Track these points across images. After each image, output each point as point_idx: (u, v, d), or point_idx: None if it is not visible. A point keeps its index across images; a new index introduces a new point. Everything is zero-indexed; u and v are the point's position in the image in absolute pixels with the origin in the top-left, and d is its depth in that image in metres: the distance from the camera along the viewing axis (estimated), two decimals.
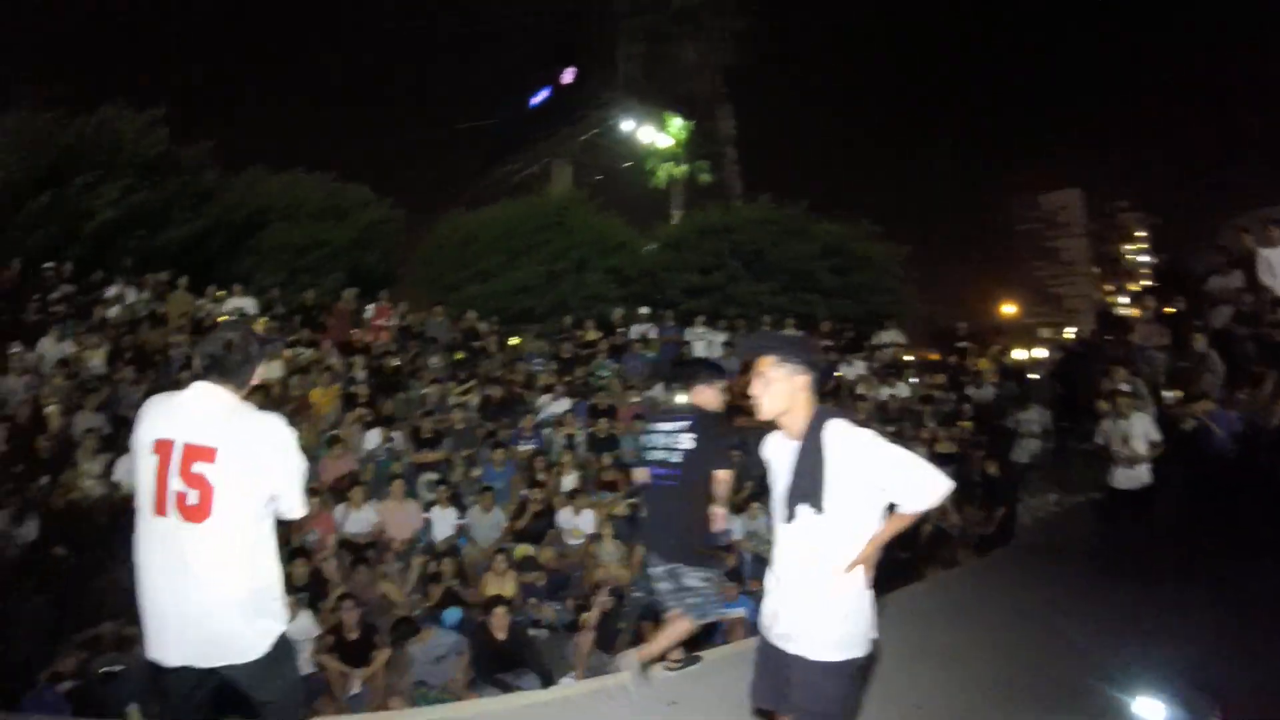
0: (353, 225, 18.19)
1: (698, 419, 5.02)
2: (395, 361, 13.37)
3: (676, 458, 4.98)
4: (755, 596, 8.15)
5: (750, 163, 28.82)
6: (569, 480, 10.97)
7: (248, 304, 14.46)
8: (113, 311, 13.01)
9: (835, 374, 13.65)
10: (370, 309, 14.93)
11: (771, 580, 3.25)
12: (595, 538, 9.85)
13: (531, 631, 8.62)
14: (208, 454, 2.74)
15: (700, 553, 5.04)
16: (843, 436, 2.99)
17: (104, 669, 6.54)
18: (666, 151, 29.48)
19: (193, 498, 2.72)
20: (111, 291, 13.47)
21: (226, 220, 17.12)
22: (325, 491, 10.13)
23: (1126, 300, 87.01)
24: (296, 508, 3.01)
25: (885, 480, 2.95)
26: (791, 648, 3.10)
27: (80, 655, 6.81)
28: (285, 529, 9.44)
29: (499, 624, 7.69)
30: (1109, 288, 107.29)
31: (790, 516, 3.07)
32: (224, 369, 2.90)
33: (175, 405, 2.91)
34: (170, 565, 2.76)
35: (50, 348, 11.48)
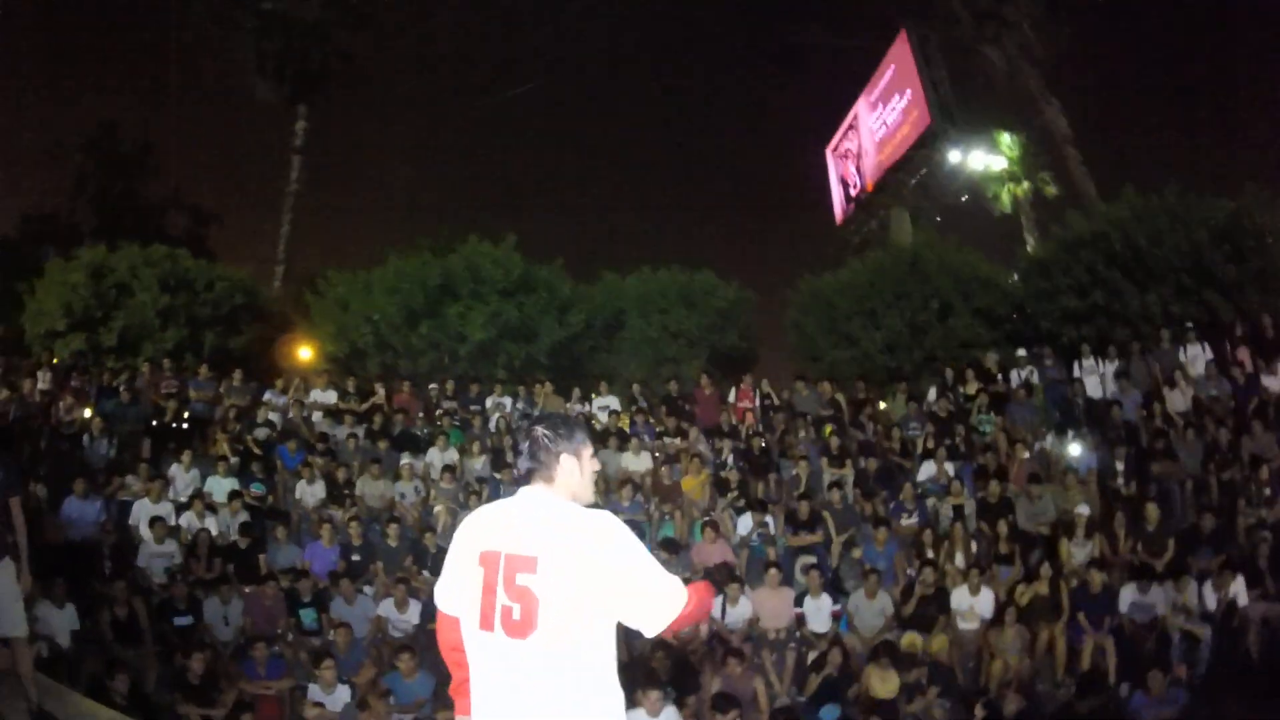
0: (706, 311, 18.51)
1: None
2: (762, 443, 13.19)
3: None
4: None
5: (1100, 157, 25.93)
6: (960, 556, 10.05)
7: (612, 401, 15.13)
8: (493, 419, 14.13)
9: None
10: (734, 392, 14.99)
11: None
12: (994, 623, 8.84)
13: None
14: (529, 564, 2.52)
15: None
16: None
17: None
18: (1003, 172, 27.47)
19: (516, 612, 2.52)
20: (489, 402, 14.74)
21: (587, 325, 18.04)
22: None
23: None
24: (649, 620, 2.59)
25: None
26: None
27: None
28: None
29: None
30: None
31: None
32: (535, 468, 2.68)
33: (499, 514, 2.72)
34: (499, 684, 2.58)
35: (437, 456, 12.64)
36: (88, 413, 12.94)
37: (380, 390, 14.97)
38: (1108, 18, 27.61)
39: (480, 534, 2.68)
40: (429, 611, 9.69)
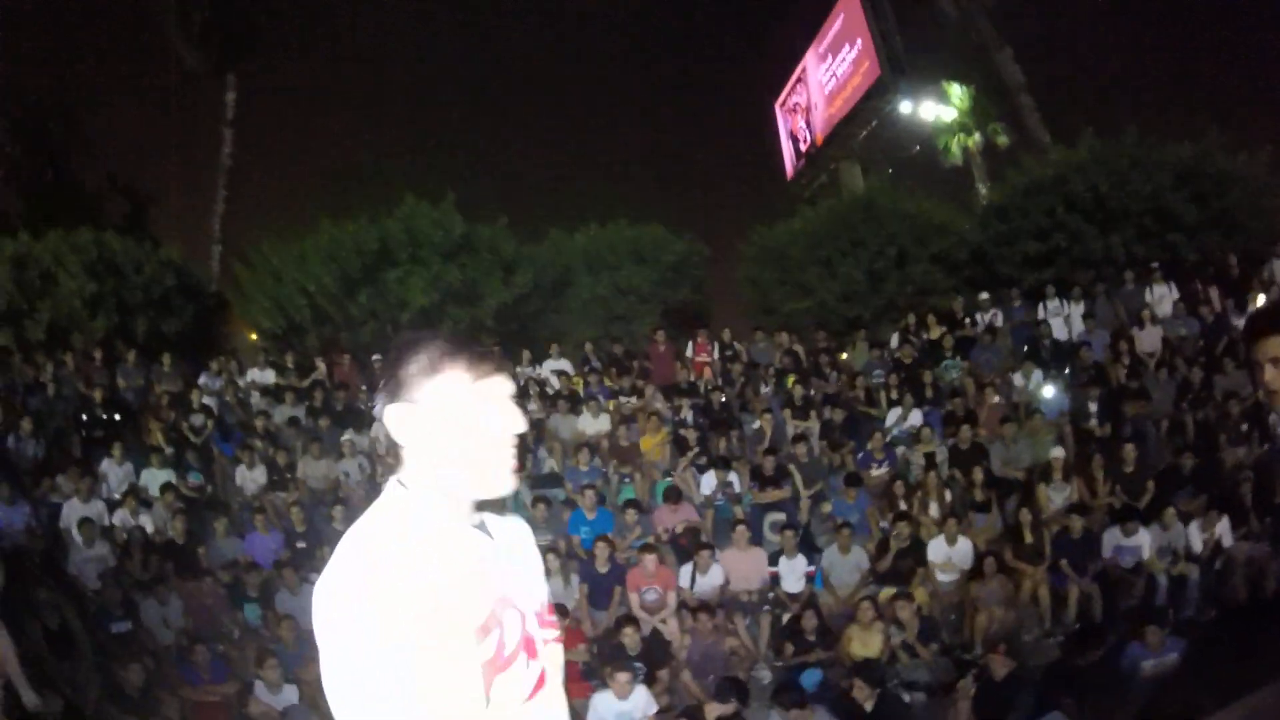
0: (657, 265, 17.93)
1: None
2: (722, 398, 12.68)
3: None
4: None
5: (1056, 103, 25.65)
6: (935, 505, 9.62)
7: (563, 363, 14.64)
8: None
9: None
10: (690, 346, 14.51)
11: None
12: (974, 574, 8.43)
13: (905, 696, 7.41)
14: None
15: None
16: None
17: None
18: (954, 123, 27.16)
19: None
20: None
21: (534, 285, 17.33)
22: (663, 545, 9.66)
23: None
24: None
25: None
26: None
27: None
28: (610, 589, 9.01)
29: (862, 692, 6.62)
30: None
31: None
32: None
33: None
34: None
35: (381, 431, 11.77)
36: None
37: (321, 365, 14.24)
38: None
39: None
40: None
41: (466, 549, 1.50)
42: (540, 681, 1.52)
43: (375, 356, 14.31)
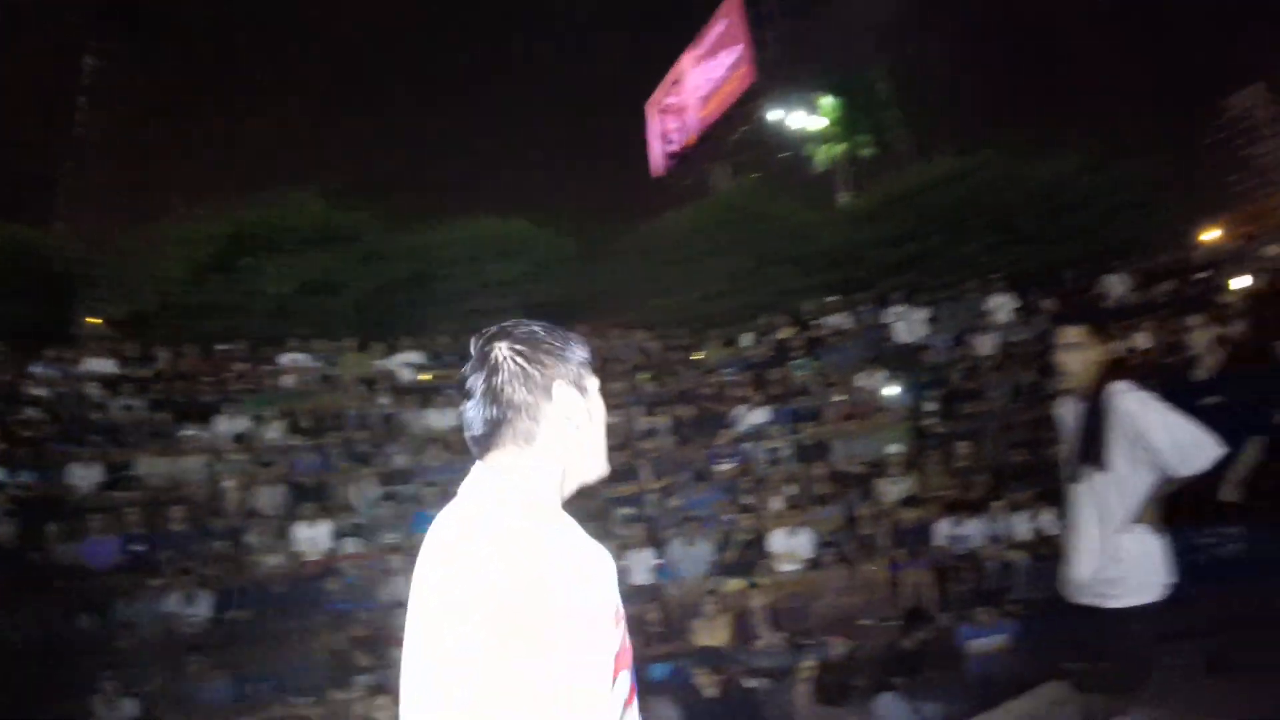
0: (522, 260, 17.66)
1: None
2: None
3: None
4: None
5: (921, 120, 26.59)
6: (779, 498, 9.74)
7: (415, 356, 14.09)
8: (287, 380, 12.84)
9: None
10: None
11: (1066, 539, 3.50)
12: (815, 563, 8.57)
13: (749, 683, 7.40)
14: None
15: None
16: (1129, 401, 3.24)
17: None
18: (823, 132, 27.89)
19: None
20: (284, 360, 13.30)
21: (397, 277, 16.86)
22: None
23: None
24: None
25: (1156, 443, 3.15)
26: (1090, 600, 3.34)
27: None
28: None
29: (706, 680, 6.65)
30: None
31: (1076, 476, 3.40)
32: (501, 420, 1.51)
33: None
34: None
35: (226, 424, 11.29)
36: None
37: (164, 356, 13.28)
38: None
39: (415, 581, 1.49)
40: (224, 603, 8.66)
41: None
42: (633, 690, 1.42)
43: (222, 348, 13.63)
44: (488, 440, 1.48)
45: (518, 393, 1.47)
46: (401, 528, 9.76)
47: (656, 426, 11.50)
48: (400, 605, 1.48)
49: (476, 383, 1.50)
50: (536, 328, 1.53)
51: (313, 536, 9.42)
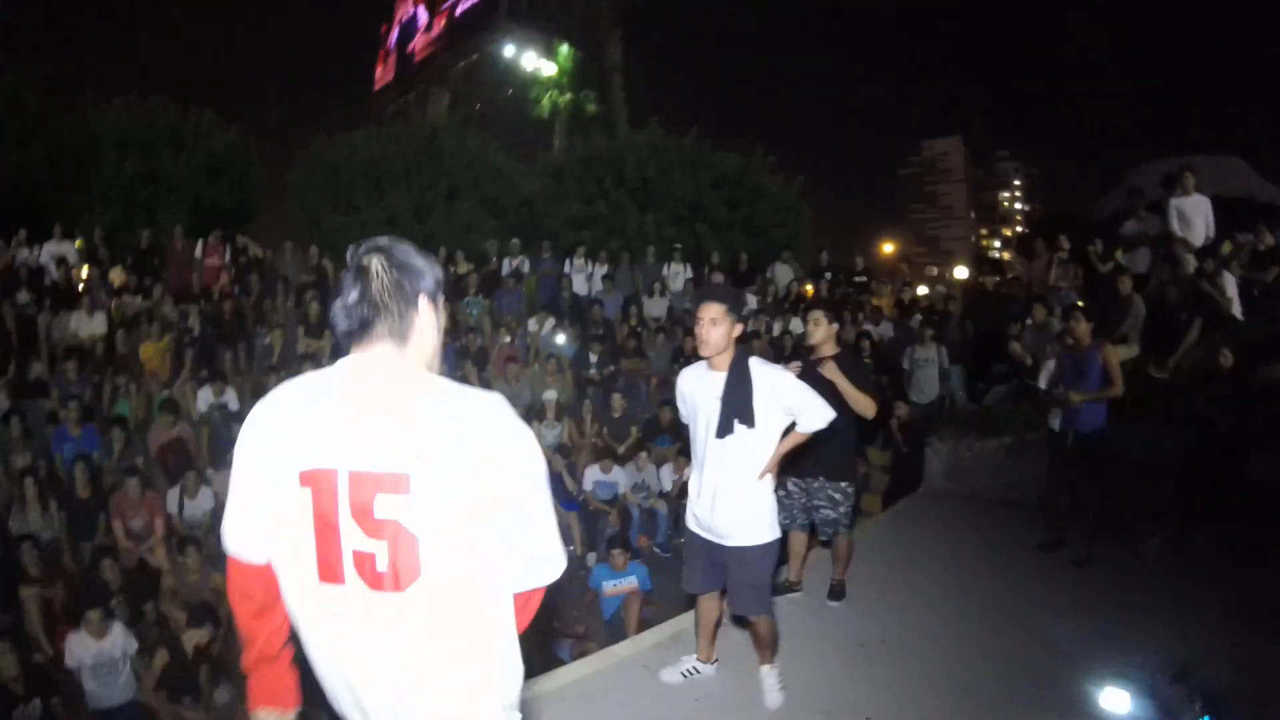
0: (198, 155, 16.11)
1: None
2: (235, 307, 11.73)
3: None
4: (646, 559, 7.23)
5: (640, 94, 27.22)
6: None
7: (67, 249, 12.62)
8: None
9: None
10: (200, 245, 13.18)
11: (701, 488, 3.96)
12: None
13: None
14: (395, 483, 1.55)
15: None
16: (762, 369, 3.78)
17: None
18: (551, 80, 27.89)
19: (382, 557, 1.56)
20: None
21: (52, 154, 14.92)
22: (152, 465, 8.94)
23: (999, 245, 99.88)
24: (546, 557, 1.71)
25: (793, 405, 3.77)
26: (729, 541, 3.91)
27: None
28: (91, 520, 7.93)
29: None
30: (984, 232, 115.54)
31: (725, 432, 3.78)
32: (376, 317, 1.68)
33: (323, 402, 1.63)
34: (358, 657, 1.62)
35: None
36: None
37: None
38: None
39: (293, 437, 1.63)
40: None
41: None
42: None
43: None
44: (363, 334, 1.67)
45: (392, 300, 1.66)
46: (31, 449, 8.91)
47: (316, 350, 10.96)
48: None
49: (352, 287, 1.67)
50: (408, 248, 1.73)
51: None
